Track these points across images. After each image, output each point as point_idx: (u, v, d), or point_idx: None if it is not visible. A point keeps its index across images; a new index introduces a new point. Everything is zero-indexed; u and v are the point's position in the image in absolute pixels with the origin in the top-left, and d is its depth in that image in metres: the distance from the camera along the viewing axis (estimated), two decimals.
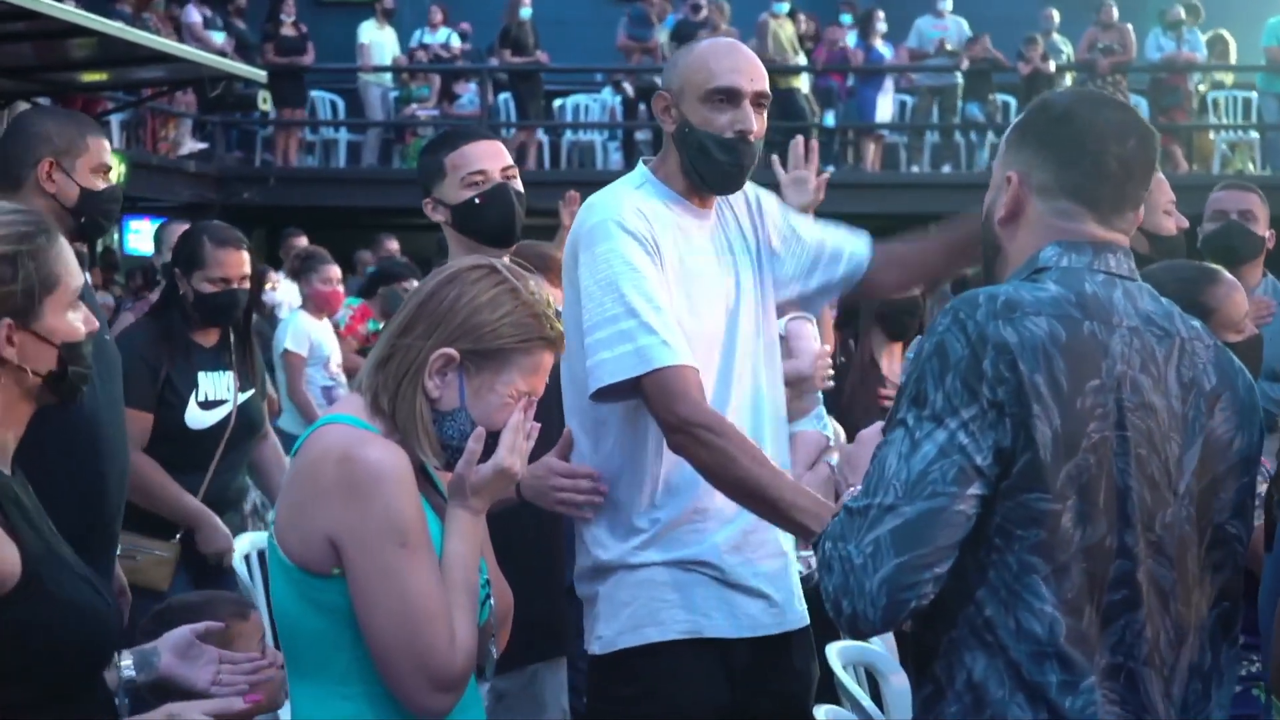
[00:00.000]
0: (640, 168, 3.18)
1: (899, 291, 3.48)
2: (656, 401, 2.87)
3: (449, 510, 2.40)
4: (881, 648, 3.97)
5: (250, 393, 4.65)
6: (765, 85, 3.11)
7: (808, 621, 3.17)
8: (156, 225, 8.22)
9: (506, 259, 3.48)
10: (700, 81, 3.05)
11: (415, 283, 8.64)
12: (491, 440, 2.38)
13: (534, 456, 3.28)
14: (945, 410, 2.10)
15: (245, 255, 4.56)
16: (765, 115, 3.11)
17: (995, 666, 2.13)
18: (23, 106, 12.90)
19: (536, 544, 3.47)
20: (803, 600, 3.18)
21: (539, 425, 2.43)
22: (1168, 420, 2.18)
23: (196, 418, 4.46)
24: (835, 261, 3.27)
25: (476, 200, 3.47)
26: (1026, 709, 2.11)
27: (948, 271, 3.45)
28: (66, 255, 2.31)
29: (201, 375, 4.48)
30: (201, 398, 4.46)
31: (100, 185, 3.73)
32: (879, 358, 5.46)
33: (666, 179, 3.11)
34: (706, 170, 3.05)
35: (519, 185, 3.55)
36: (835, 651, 3.70)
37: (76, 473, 3.55)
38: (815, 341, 5.30)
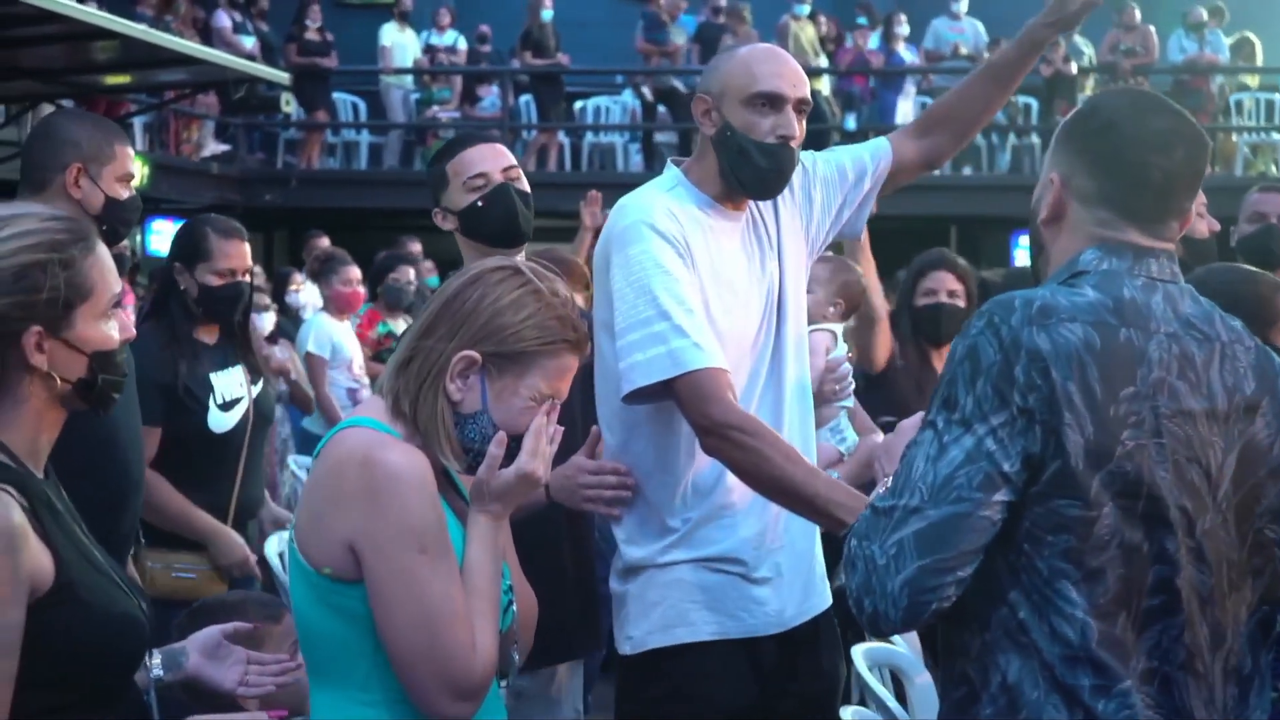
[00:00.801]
0: (671, 169, 3.19)
1: (956, 146, 3.46)
2: (689, 404, 2.88)
3: (470, 515, 2.38)
4: (906, 649, 3.97)
5: (260, 385, 4.58)
6: (807, 92, 3.13)
7: (830, 602, 3.19)
8: (179, 226, 8.31)
9: (522, 257, 3.53)
10: (743, 85, 3.07)
11: (409, 270, 8.67)
12: (514, 444, 2.36)
13: (558, 460, 3.32)
14: (974, 415, 2.10)
15: (247, 247, 4.49)
16: (805, 122, 3.13)
17: (1030, 668, 2.13)
18: (48, 109, 13.00)
19: (565, 546, 3.49)
20: (826, 581, 3.20)
21: (562, 428, 2.42)
22: (1207, 426, 2.17)
23: (219, 420, 4.39)
24: (861, 178, 3.33)
25: (479, 203, 3.47)
26: (1062, 710, 2.12)
27: (996, 102, 3.42)
28: (104, 263, 2.30)
29: (213, 376, 4.40)
30: (219, 399, 4.39)
31: (124, 194, 3.73)
32: (931, 360, 5.37)
33: (699, 181, 3.12)
34: (746, 174, 3.07)
35: (523, 185, 3.53)
36: (861, 653, 3.71)
37: (101, 478, 3.56)
38: (823, 356, 5.31)
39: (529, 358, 2.36)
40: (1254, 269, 3.51)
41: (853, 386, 4.75)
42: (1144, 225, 2.25)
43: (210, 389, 4.38)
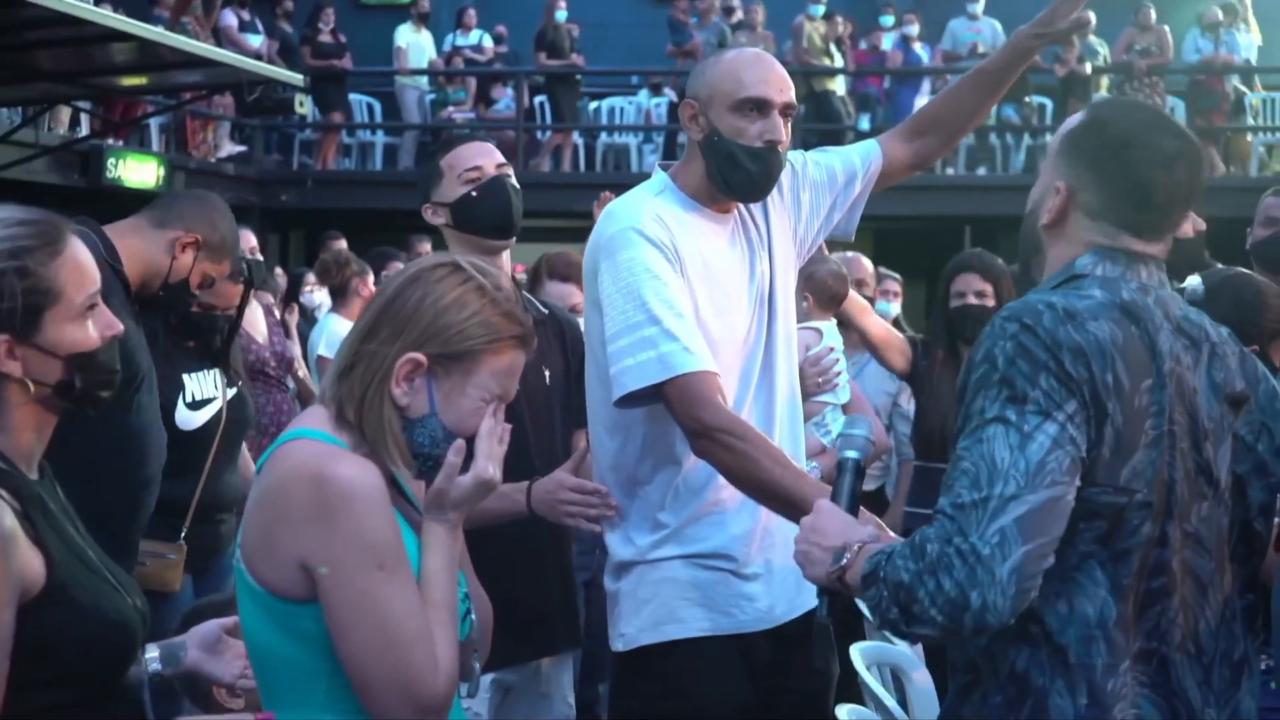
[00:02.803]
0: (659, 174, 3.23)
1: (944, 149, 3.50)
2: (679, 407, 2.92)
3: (425, 525, 2.29)
4: (905, 647, 3.99)
5: (238, 389, 4.59)
6: (793, 96, 3.16)
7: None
8: None
9: (507, 256, 3.58)
10: (730, 91, 3.10)
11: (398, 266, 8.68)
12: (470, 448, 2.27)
13: (534, 460, 3.37)
14: (1050, 405, 2.13)
15: (238, 288, 4.43)
16: (790, 127, 3.17)
17: (1038, 658, 2.19)
18: (65, 110, 13.07)
19: (545, 539, 3.52)
20: None
21: (509, 427, 2.36)
22: (1205, 418, 2.26)
23: (186, 418, 4.38)
24: (851, 180, 3.36)
25: (474, 194, 3.53)
26: (1065, 695, 2.18)
27: (985, 107, 3.46)
28: (72, 265, 2.26)
29: (186, 376, 4.39)
30: (189, 398, 4.39)
31: (194, 283, 3.98)
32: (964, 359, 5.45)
33: (687, 185, 3.16)
34: (734, 179, 3.10)
35: (515, 181, 3.61)
36: (859, 651, 3.74)
37: (125, 476, 3.65)
38: (803, 354, 5.42)
39: (476, 356, 2.27)
40: (1267, 281, 3.54)
41: (840, 381, 4.81)
42: (1142, 236, 2.33)
43: (181, 387, 4.39)
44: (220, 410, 4.48)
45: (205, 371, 4.49)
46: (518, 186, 3.60)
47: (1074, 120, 2.41)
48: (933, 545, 2.11)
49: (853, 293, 5.49)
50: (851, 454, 2.46)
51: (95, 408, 2.34)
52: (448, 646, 2.21)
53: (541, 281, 5.11)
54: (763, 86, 3.10)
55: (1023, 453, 2.10)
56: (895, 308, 8.38)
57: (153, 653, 2.62)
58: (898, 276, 8.15)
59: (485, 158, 3.58)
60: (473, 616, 2.41)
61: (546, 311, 3.74)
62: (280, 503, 2.20)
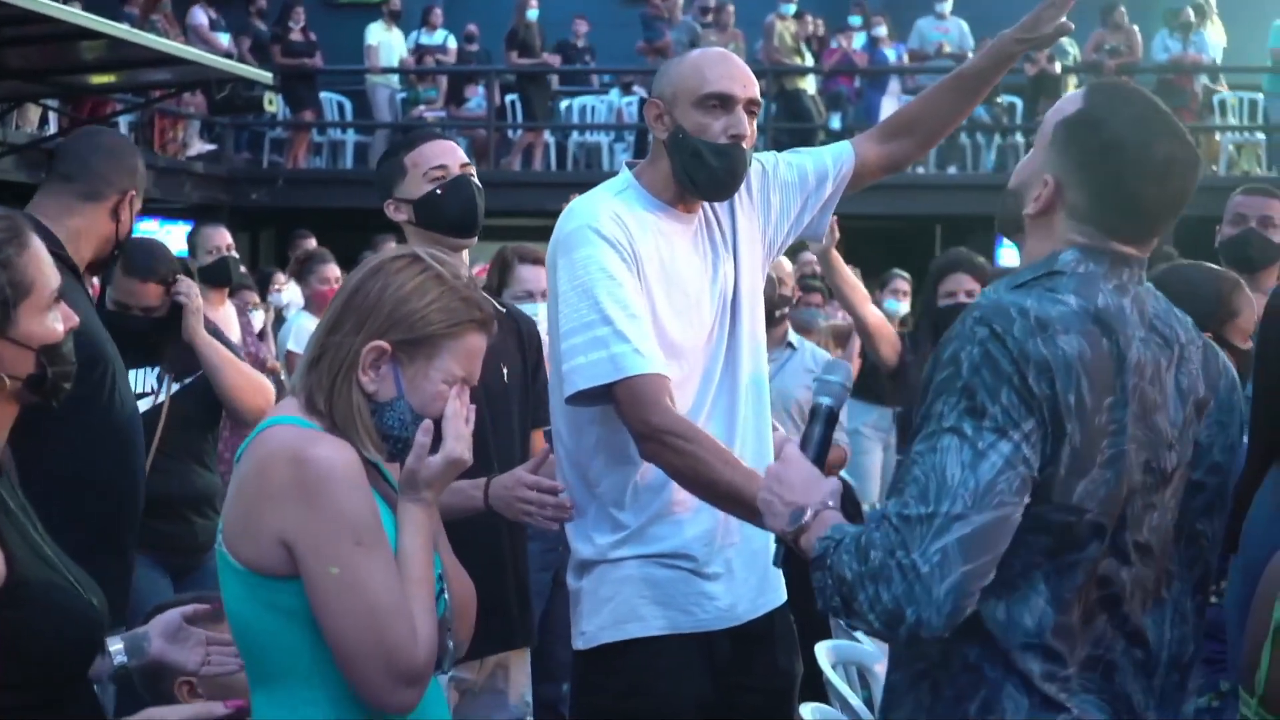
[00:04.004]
0: (624, 172, 3.23)
1: (920, 152, 3.50)
2: (628, 409, 2.93)
3: (400, 505, 2.38)
4: (872, 645, 4.00)
5: (188, 381, 4.55)
6: (756, 93, 3.17)
7: (785, 598, 3.23)
8: (188, 229, 8.30)
9: (465, 255, 3.58)
10: (694, 87, 3.11)
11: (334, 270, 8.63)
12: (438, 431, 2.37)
13: (493, 457, 3.38)
14: (1008, 423, 2.11)
15: (150, 289, 4.46)
16: (755, 124, 3.16)
17: (989, 652, 2.19)
18: (33, 108, 13.01)
19: (495, 534, 3.52)
20: (781, 578, 3.22)
21: (474, 407, 2.44)
22: (1168, 430, 2.23)
23: None
24: (822, 181, 3.35)
25: (438, 192, 3.53)
26: (1022, 690, 2.18)
27: (962, 111, 3.45)
28: (40, 257, 2.31)
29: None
30: None
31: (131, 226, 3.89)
32: None
33: (651, 184, 3.16)
34: (700, 176, 3.10)
35: (478, 181, 3.61)
36: (824, 650, 3.74)
37: (115, 469, 3.68)
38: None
39: (437, 341, 2.37)
40: (1213, 267, 3.55)
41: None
42: (1128, 240, 2.29)
43: None
44: (160, 407, 4.47)
45: (146, 369, 4.48)
46: (480, 186, 3.60)
47: (1069, 105, 2.34)
48: (876, 553, 2.11)
49: (854, 280, 5.64)
50: (825, 400, 2.46)
51: (59, 400, 2.37)
52: (425, 619, 2.29)
53: (511, 269, 5.12)
54: (727, 82, 3.11)
55: (974, 471, 2.10)
56: (904, 306, 8.43)
57: (116, 645, 2.63)
58: (907, 276, 8.18)
59: (450, 156, 3.58)
60: (446, 596, 2.46)
61: (503, 310, 3.74)
62: (261, 483, 2.29)
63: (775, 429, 3.29)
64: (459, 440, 2.37)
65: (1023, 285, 2.27)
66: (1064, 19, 3.21)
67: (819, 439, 2.43)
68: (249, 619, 2.34)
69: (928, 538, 2.08)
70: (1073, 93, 2.41)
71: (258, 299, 8.30)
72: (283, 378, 7.74)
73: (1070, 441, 2.13)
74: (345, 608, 2.24)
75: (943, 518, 2.09)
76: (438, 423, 2.38)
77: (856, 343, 6.73)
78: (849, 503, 6.61)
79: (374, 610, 2.24)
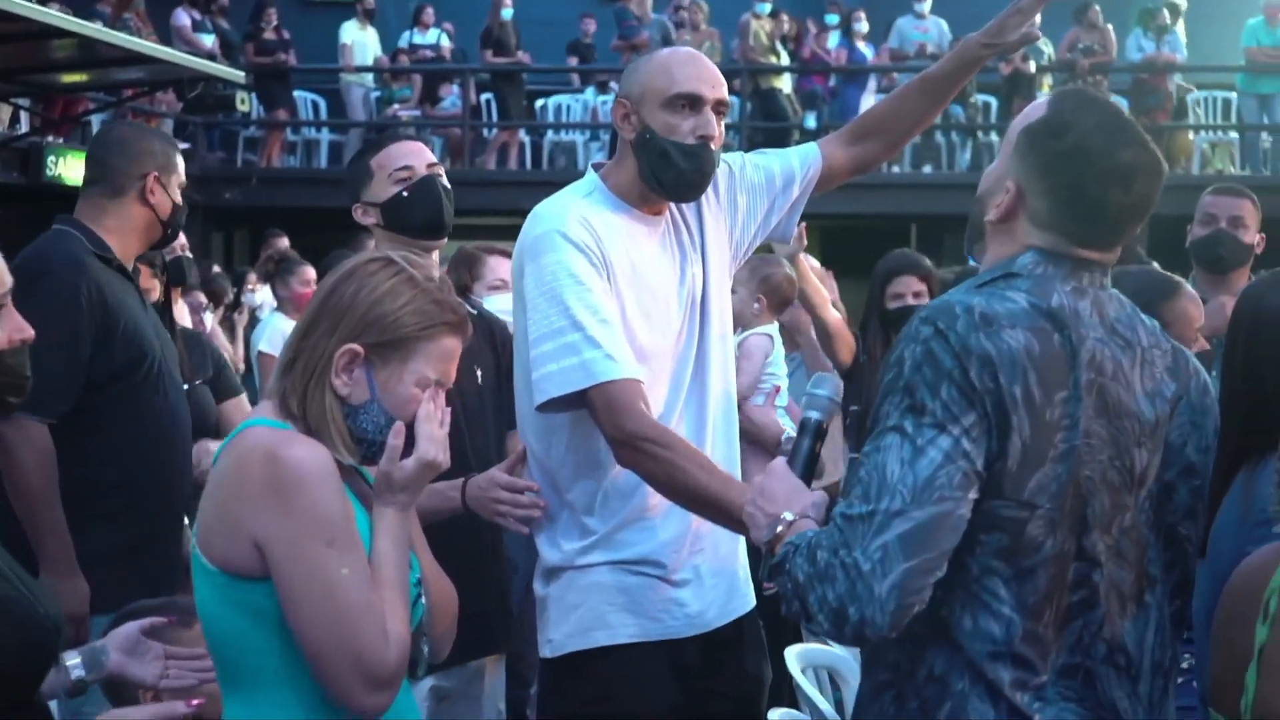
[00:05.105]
0: (590, 174, 3.20)
1: (887, 155, 3.48)
2: (602, 416, 2.90)
3: (375, 509, 2.38)
4: (842, 650, 3.99)
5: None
6: (725, 93, 3.14)
7: (754, 604, 3.21)
8: None
9: (435, 257, 3.56)
10: (662, 87, 3.08)
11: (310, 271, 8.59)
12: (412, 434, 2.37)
13: (470, 459, 3.35)
14: (947, 418, 2.11)
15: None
16: (723, 124, 3.14)
17: (955, 662, 2.17)
18: (4, 108, 12.93)
19: (476, 538, 3.50)
20: (750, 584, 3.21)
21: (449, 410, 2.44)
22: (1137, 428, 2.22)
23: None
24: (790, 184, 3.33)
25: (404, 193, 3.50)
26: (987, 701, 2.16)
27: (929, 115, 3.44)
28: None
29: None
30: None
31: (181, 200, 4.00)
32: None
33: (618, 186, 3.13)
34: (668, 177, 3.07)
35: (445, 181, 3.57)
36: (794, 655, 3.73)
37: (162, 465, 3.81)
38: (760, 361, 5.64)
39: (411, 344, 2.38)
40: (1151, 271, 3.54)
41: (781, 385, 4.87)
42: (1091, 247, 2.27)
43: None
44: None
45: None
46: (449, 186, 3.57)
47: (1034, 113, 2.33)
48: (822, 553, 2.13)
49: (817, 283, 5.68)
50: (814, 414, 2.47)
51: (6, 413, 2.38)
52: (399, 623, 2.29)
53: (481, 261, 5.09)
54: (695, 82, 3.08)
55: (912, 468, 2.10)
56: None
57: (74, 659, 2.60)
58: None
59: (416, 157, 3.55)
60: (424, 602, 2.46)
61: (474, 312, 3.71)
62: (236, 483, 2.30)
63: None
64: (432, 442, 2.37)
65: (979, 287, 2.26)
66: (1029, 27, 3.19)
67: (806, 453, 2.44)
68: (220, 620, 2.34)
69: (869, 535, 2.09)
70: (1038, 100, 2.39)
71: (199, 301, 8.29)
72: (256, 379, 7.71)
73: (1019, 434, 2.12)
74: (315, 608, 2.24)
75: (882, 514, 2.10)
76: (412, 426, 2.38)
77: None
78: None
79: (344, 611, 2.24)
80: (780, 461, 2.41)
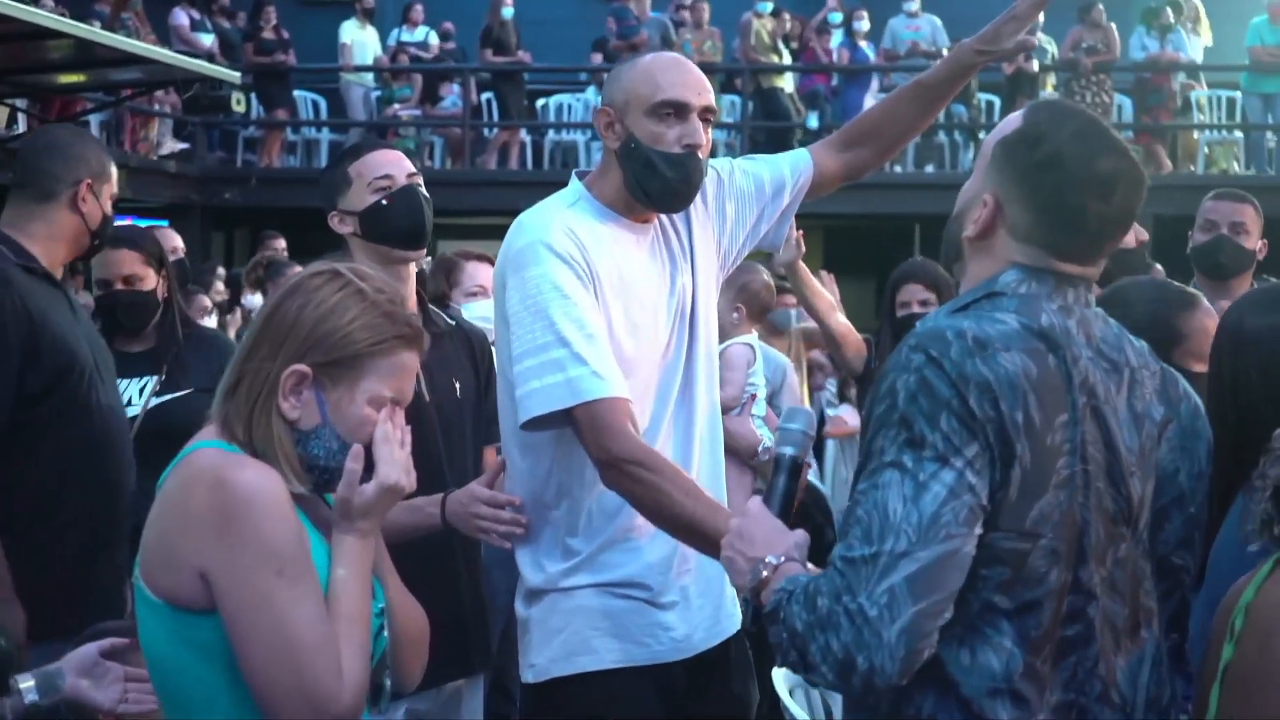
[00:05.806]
0: (574, 183, 3.11)
1: (880, 160, 3.41)
2: (588, 435, 2.82)
3: (335, 536, 2.24)
4: None
5: (177, 394, 4.44)
6: (712, 100, 3.07)
7: (739, 626, 3.12)
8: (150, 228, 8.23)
9: (413, 269, 3.49)
10: (646, 95, 3.00)
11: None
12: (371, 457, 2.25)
13: (447, 474, 3.29)
14: (948, 450, 2.00)
15: (123, 254, 4.43)
16: (710, 131, 3.07)
17: (945, 704, 2.07)
18: (1, 110, 12.89)
19: (458, 556, 3.43)
20: (736, 604, 3.11)
21: (409, 429, 2.31)
22: (1126, 455, 2.14)
23: None
24: (780, 191, 3.27)
25: (384, 202, 3.42)
26: None
27: (922, 120, 3.37)
28: None
29: (121, 383, 4.25)
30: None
31: (111, 211, 3.89)
32: None
33: (603, 195, 3.05)
34: (652, 187, 2.99)
35: (425, 192, 3.50)
36: (781, 676, 3.67)
37: (100, 471, 3.71)
38: (744, 371, 5.64)
39: (362, 361, 2.24)
40: (1162, 283, 3.46)
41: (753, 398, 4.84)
42: (1072, 260, 2.19)
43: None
44: (135, 419, 4.34)
45: (140, 379, 4.41)
46: (428, 196, 3.49)
47: (1009, 125, 2.25)
48: (823, 600, 2.01)
49: (821, 289, 5.64)
50: (788, 450, 2.35)
51: None
52: (355, 658, 2.16)
53: (460, 268, 5.05)
54: (680, 89, 3.00)
55: (916, 505, 1.99)
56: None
57: (27, 683, 2.54)
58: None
59: (396, 166, 3.47)
60: (386, 634, 2.33)
61: (453, 323, 3.65)
62: (180, 510, 2.16)
63: None
64: (393, 465, 2.23)
65: (962, 309, 2.17)
66: (1024, 34, 3.12)
67: (783, 491, 2.32)
68: (165, 656, 2.21)
69: (873, 579, 1.98)
70: (1012, 114, 2.32)
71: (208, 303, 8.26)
72: None
73: (1021, 463, 2.03)
74: (263, 642, 2.11)
75: (887, 556, 1.98)
76: (370, 448, 2.24)
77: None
78: (819, 512, 6.57)
79: (294, 646, 2.10)
80: (757, 501, 2.29)
